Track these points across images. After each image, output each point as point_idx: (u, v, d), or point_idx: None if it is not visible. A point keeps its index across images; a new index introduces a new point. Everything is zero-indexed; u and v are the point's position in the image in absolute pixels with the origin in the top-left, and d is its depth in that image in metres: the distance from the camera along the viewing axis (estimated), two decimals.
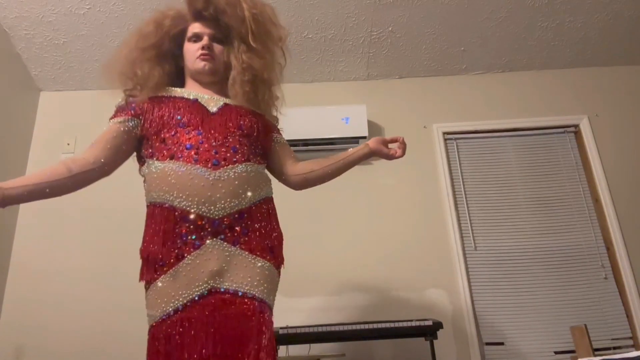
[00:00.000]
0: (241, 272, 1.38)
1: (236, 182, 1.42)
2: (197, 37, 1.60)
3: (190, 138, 1.45)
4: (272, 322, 1.40)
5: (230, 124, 1.51)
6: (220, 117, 1.52)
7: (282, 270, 1.51)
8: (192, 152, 1.42)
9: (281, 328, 2.24)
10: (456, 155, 3.24)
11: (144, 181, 1.50)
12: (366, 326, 2.34)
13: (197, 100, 1.55)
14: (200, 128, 1.47)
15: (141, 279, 1.40)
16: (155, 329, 1.33)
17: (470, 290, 2.89)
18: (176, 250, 1.36)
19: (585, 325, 2.11)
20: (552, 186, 3.15)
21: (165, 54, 1.60)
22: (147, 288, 1.39)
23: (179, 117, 1.49)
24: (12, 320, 2.78)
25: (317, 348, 2.58)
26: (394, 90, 3.39)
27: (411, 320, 2.32)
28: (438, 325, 2.29)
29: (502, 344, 2.80)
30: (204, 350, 1.28)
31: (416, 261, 2.92)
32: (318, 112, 3.13)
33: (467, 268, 2.94)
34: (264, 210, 1.50)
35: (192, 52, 1.59)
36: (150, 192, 1.44)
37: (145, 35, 1.57)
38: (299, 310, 2.75)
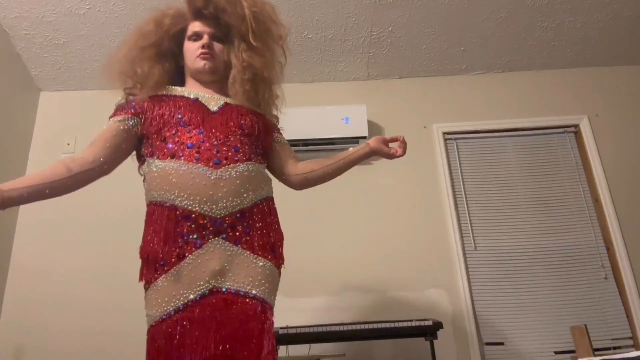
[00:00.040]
0: (243, 272, 1.38)
1: (238, 182, 1.42)
2: (197, 36, 1.59)
3: (191, 137, 1.44)
4: (273, 322, 1.40)
5: (231, 123, 1.51)
6: (221, 116, 1.52)
7: (282, 270, 1.51)
8: (194, 151, 1.41)
9: (281, 328, 2.24)
10: (456, 155, 3.24)
11: (144, 180, 1.49)
12: (366, 326, 2.34)
13: (197, 99, 1.55)
14: (201, 127, 1.47)
15: (141, 278, 1.39)
16: (154, 328, 1.32)
17: (470, 290, 2.89)
18: (177, 250, 1.35)
19: (585, 325, 2.11)
20: (552, 186, 3.15)
21: (165, 53, 1.60)
22: (146, 288, 1.38)
23: (179, 115, 1.48)
24: (12, 320, 2.77)
25: (317, 348, 2.57)
26: (394, 90, 3.40)
27: (411, 320, 2.32)
28: (438, 325, 2.29)
29: (502, 344, 2.79)
30: (205, 351, 1.27)
31: (416, 261, 2.92)
32: (318, 112, 3.13)
33: (467, 268, 2.93)
34: (265, 209, 1.50)
35: (192, 51, 1.58)
36: (151, 191, 1.43)
37: (145, 34, 1.57)
38: (299, 310, 2.75)
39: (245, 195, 1.43)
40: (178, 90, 1.57)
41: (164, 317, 1.31)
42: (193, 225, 1.37)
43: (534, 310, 2.85)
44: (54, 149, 3.13)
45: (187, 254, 1.35)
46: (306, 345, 2.54)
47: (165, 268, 1.34)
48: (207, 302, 1.33)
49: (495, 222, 3.07)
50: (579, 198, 3.12)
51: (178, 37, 1.62)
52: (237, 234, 1.40)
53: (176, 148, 1.42)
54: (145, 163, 1.49)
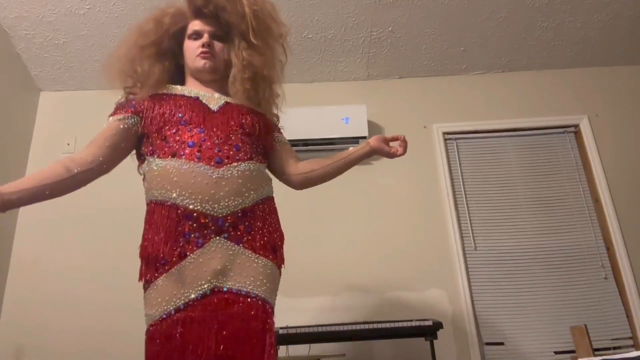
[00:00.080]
0: (244, 271, 1.37)
1: (240, 181, 1.42)
2: (197, 35, 1.59)
3: (192, 136, 1.44)
4: (274, 322, 1.39)
5: (232, 122, 1.51)
6: (221, 115, 1.52)
7: (282, 270, 1.50)
8: (195, 150, 1.40)
9: (281, 328, 2.24)
10: (456, 155, 3.24)
11: (144, 179, 1.49)
12: (366, 326, 2.34)
13: (198, 98, 1.54)
14: (202, 126, 1.46)
15: (141, 278, 1.38)
16: (154, 328, 1.31)
17: (470, 290, 2.88)
18: (178, 249, 1.35)
19: (585, 325, 2.10)
20: (552, 186, 3.15)
21: (165, 52, 1.59)
22: (146, 288, 1.36)
23: (180, 114, 1.48)
24: (12, 320, 2.77)
25: (317, 348, 2.57)
26: (394, 90, 3.40)
27: (411, 321, 2.31)
28: (438, 325, 2.29)
29: (502, 344, 2.79)
30: (206, 350, 1.27)
31: (416, 261, 2.92)
32: (318, 112, 3.13)
33: (467, 268, 2.93)
34: (266, 209, 1.49)
35: (192, 50, 1.58)
36: (151, 190, 1.42)
37: (145, 33, 1.56)
38: (299, 310, 2.75)
39: (246, 194, 1.43)
40: (178, 89, 1.57)
41: (164, 316, 1.30)
42: (194, 225, 1.36)
43: (534, 310, 2.85)
44: (54, 149, 3.13)
45: (188, 253, 1.34)
46: (306, 345, 2.54)
47: (166, 267, 1.33)
48: (208, 301, 1.32)
49: (495, 222, 3.07)
50: (579, 198, 3.12)
51: (178, 36, 1.62)
52: (239, 233, 1.40)
53: (177, 147, 1.42)
54: (145, 162, 1.48)
